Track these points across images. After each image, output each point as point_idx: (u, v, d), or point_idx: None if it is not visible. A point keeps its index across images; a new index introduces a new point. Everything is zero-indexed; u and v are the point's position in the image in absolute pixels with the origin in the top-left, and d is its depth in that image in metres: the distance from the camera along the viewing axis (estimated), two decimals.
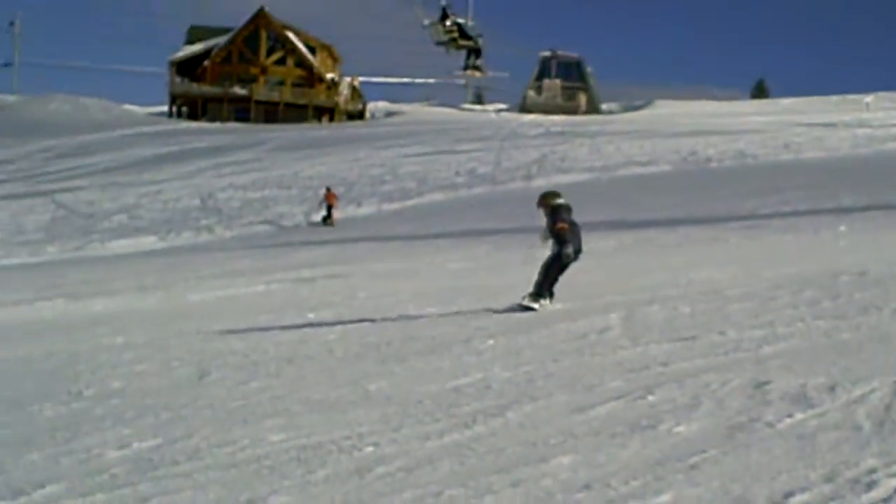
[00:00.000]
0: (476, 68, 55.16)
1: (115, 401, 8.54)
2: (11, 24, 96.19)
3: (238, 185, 41.56)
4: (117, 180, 43.56)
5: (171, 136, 58.04)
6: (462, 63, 53.60)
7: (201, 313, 15.43)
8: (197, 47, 73.87)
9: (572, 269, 11.91)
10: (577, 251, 10.89)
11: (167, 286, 19.61)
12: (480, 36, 53.09)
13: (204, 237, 32.78)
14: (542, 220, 11.25)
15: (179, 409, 7.92)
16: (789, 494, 3.90)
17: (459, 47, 47.48)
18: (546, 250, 11.07)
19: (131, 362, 10.54)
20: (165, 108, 75.78)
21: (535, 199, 11.48)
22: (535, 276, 10.91)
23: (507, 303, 11.71)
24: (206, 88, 71.79)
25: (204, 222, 34.65)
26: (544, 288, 10.81)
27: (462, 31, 50.09)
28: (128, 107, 79.13)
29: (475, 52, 53.11)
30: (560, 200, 10.97)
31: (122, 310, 17.24)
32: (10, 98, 78.63)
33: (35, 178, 45.29)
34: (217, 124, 66.22)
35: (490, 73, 64.54)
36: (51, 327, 15.74)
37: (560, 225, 10.63)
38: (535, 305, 10.65)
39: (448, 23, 46.50)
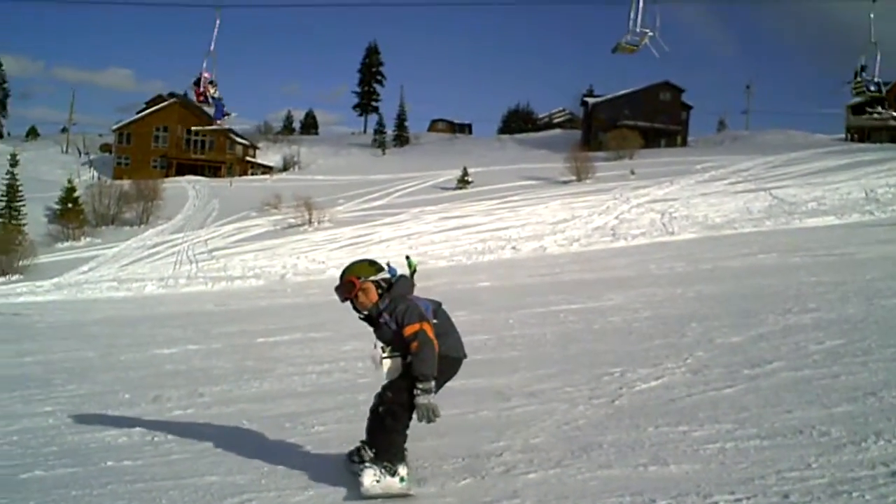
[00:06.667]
0: None
1: (812, 315, 9.99)
2: (748, 87, 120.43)
3: (891, 184, 44.43)
4: (810, 181, 48.25)
5: (846, 153, 61.78)
6: None
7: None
8: None
9: None
10: (454, 364, 5.12)
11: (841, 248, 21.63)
12: None
13: (867, 217, 35.92)
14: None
15: (856, 322, 9.37)
16: None
17: None
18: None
19: (815, 286, 12.89)
20: (843, 136, 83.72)
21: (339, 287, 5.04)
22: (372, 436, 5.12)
23: None
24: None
25: (867, 208, 38.34)
26: (395, 451, 4.90)
27: None
28: (818, 135, 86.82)
29: None
30: (384, 274, 5.05)
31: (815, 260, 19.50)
32: (745, 132, 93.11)
33: (759, 180, 51.45)
34: (877, 145, 69.78)
35: None
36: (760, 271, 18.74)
37: (414, 327, 4.78)
38: (392, 483, 4.79)
39: None
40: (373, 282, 4.95)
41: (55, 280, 41.12)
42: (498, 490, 4.69)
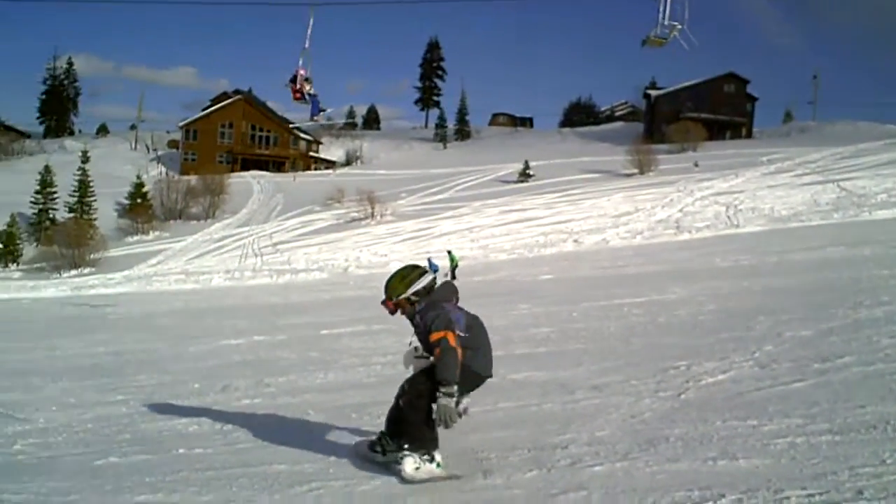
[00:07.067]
0: None
1: (884, 309, 9.80)
2: (814, 77, 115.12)
3: None
4: (880, 172, 46.68)
5: None
6: None
7: None
8: None
9: None
10: (476, 379, 5.13)
11: None
12: None
13: None
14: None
15: None
16: None
17: None
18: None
19: (888, 279, 12.91)
20: None
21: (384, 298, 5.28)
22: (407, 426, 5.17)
23: None
24: None
25: None
26: (428, 439, 5.11)
27: None
28: (888, 126, 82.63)
29: None
30: (426, 280, 5.23)
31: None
32: (812, 123, 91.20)
33: (827, 171, 50.17)
34: None
35: None
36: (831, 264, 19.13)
37: (439, 334, 4.89)
38: (432, 468, 5.05)
39: None
40: (405, 298, 5.19)
41: (125, 273, 42.13)
42: (564, 482, 4.69)
